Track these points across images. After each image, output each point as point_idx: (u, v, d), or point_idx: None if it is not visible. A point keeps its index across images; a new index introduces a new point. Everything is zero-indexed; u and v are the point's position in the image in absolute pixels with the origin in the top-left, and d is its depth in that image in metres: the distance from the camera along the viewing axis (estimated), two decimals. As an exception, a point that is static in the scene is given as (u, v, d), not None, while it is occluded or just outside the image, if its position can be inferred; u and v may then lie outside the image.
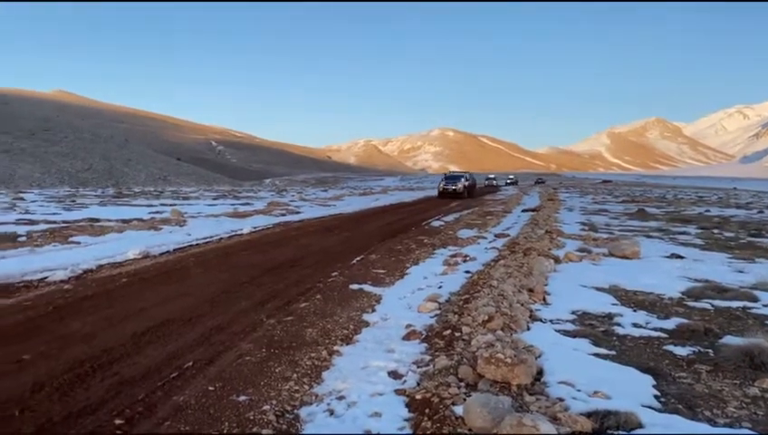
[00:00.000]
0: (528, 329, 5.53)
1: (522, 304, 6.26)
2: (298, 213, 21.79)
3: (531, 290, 7.11)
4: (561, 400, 3.66)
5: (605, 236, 14.16)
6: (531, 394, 3.78)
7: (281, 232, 15.29)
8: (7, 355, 4.83)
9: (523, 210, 24.35)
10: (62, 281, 7.89)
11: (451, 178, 40.11)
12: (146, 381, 4.27)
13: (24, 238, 11.69)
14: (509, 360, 3.97)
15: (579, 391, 3.85)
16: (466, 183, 38.16)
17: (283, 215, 20.64)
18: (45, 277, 8.00)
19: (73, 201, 28.09)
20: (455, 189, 37.35)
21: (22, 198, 30.10)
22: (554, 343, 5.01)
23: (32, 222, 15.26)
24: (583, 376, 4.09)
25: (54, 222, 15.28)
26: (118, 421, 3.59)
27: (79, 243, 11.52)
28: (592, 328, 5.70)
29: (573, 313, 6.31)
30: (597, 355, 4.77)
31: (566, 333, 5.50)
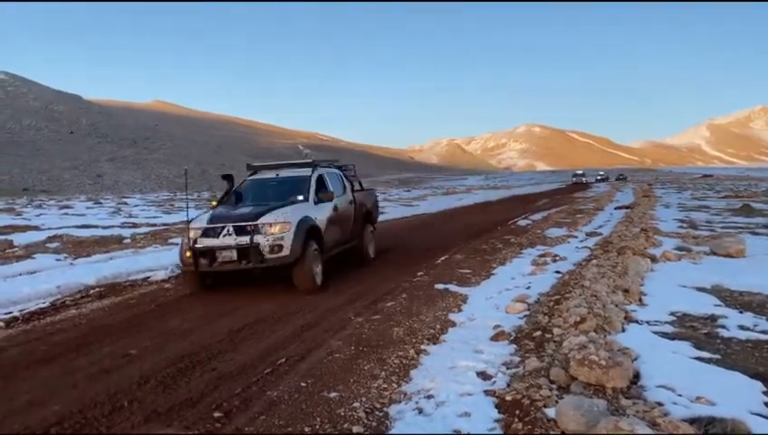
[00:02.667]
0: (623, 331, 5.30)
1: (616, 305, 6.02)
2: (382, 213, 21.99)
3: (626, 290, 6.81)
4: (661, 404, 3.49)
5: (706, 233, 13.33)
6: (627, 398, 3.63)
7: (366, 232, 15.48)
8: (117, 350, 5.20)
9: (616, 208, 23.37)
10: (162, 280, 8.39)
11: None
12: (242, 377, 4.46)
13: (128, 240, 12.52)
14: (603, 362, 3.82)
15: (680, 395, 3.65)
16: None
17: (369, 215, 20.90)
18: (148, 277, 8.53)
19: (172, 205, 29.75)
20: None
21: (126, 203, 32.23)
22: (652, 346, 4.78)
23: (135, 225, 16.34)
24: (684, 380, 3.88)
25: (155, 225, 16.27)
26: (217, 414, 3.76)
27: (178, 244, 12.17)
28: (693, 330, 5.39)
29: (672, 314, 5.98)
30: (699, 359, 4.50)
31: (664, 335, 5.23)
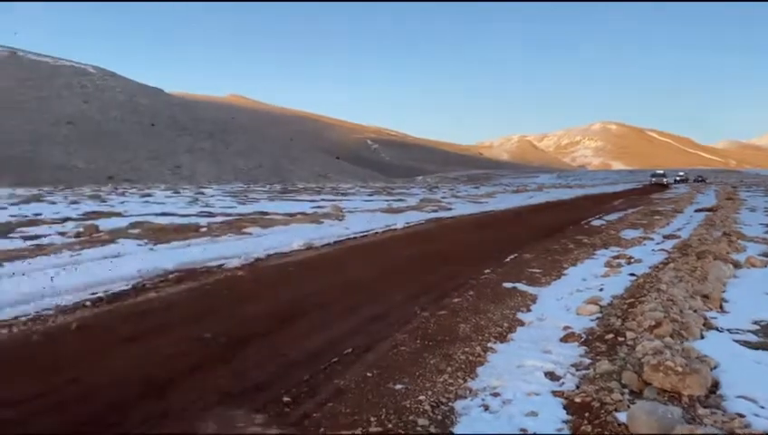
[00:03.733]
0: (702, 338, 5.08)
1: (694, 311, 5.76)
2: (450, 210, 21.90)
3: (705, 296, 6.51)
4: (741, 416, 3.32)
5: (796, 239, 12.53)
6: (704, 407, 3.48)
7: (433, 228, 15.49)
8: (193, 331, 5.43)
9: (697, 210, 22.31)
10: (236, 268, 8.66)
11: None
12: (309, 365, 4.55)
13: (204, 229, 13.02)
14: (680, 368, 3.68)
15: (762, 408, 3.47)
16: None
17: (435, 211, 20.86)
18: (222, 264, 8.84)
19: (246, 196, 30.69)
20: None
21: (203, 193, 33.47)
22: (733, 355, 4.56)
23: (211, 214, 16.96)
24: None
25: (230, 214, 16.84)
26: (286, 399, 3.87)
27: (251, 233, 12.58)
28: (780, 341, 5.09)
29: (756, 323, 5.68)
30: (786, 371, 4.26)
31: (747, 344, 4.97)
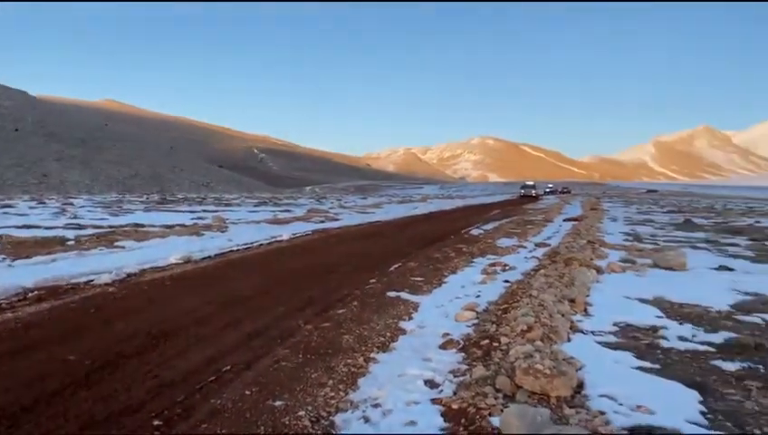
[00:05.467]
0: (569, 340, 5.40)
1: (562, 315, 6.13)
2: (337, 220, 21.93)
3: (572, 301, 6.95)
4: (603, 413, 3.55)
5: (650, 246, 13.77)
6: (570, 407, 3.68)
7: (320, 239, 15.41)
8: (55, 354, 4.97)
9: (565, 219, 23.92)
10: (106, 284, 8.10)
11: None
12: (184, 385, 4.32)
13: (72, 242, 12.08)
14: (548, 371, 3.88)
15: (621, 405, 3.73)
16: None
17: (323, 222, 20.81)
18: (91, 280, 8.22)
19: (120, 207, 28.92)
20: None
21: (71, 204, 31.14)
22: (596, 355, 4.89)
23: (80, 226, 15.78)
24: (626, 390, 3.97)
25: (101, 227, 15.76)
26: (156, 422, 3.64)
27: (124, 247, 11.83)
28: (636, 340, 5.53)
29: (616, 324, 6.14)
30: (640, 369, 4.62)
31: (608, 345, 5.35)
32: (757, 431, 3.42)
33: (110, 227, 15.86)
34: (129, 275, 8.71)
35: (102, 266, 9.15)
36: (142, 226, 16.22)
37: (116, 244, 12.17)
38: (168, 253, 10.60)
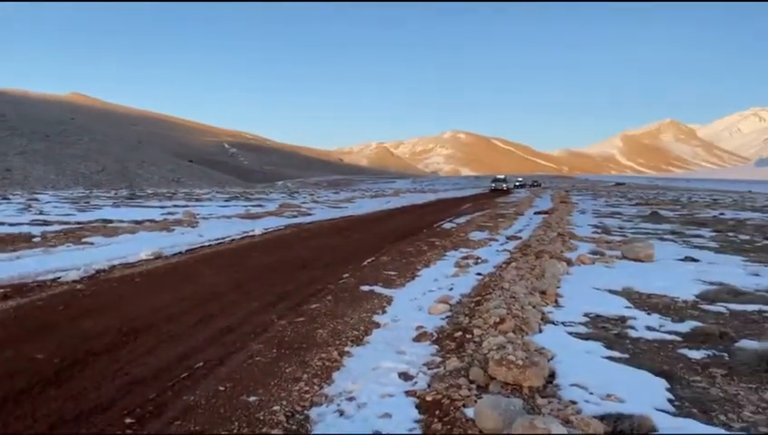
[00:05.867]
0: (540, 331, 5.48)
1: (533, 307, 6.21)
2: (309, 215, 21.83)
3: (543, 292, 7.06)
4: (574, 402, 3.62)
5: (618, 238, 14.04)
6: (543, 397, 3.74)
7: (292, 233, 15.32)
8: (22, 352, 4.86)
9: (536, 212, 24.22)
10: (74, 281, 7.94)
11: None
12: (156, 382, 4.27)
13: (38, 239, 11.80)
14: (520, 362, 3.93)
15: (591, 393, 3.81)
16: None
17: (295, 217, 20.69)
18: (58, 277, 8.05)
19: (87, 202, 28.34)
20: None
21: (36, 199, 30.42)
22: (566, 346, 4.97)
23: (46, 223, 15.41)
24: (596, 379, 4.05)
25: (68, 223, 15.42)
26: (128, 420, 3.59)
27: (92, 243, 11.60)
28: (605, 331, 5.64)
29: (586, 315, 6.25)
30: (610, 358, 4.72)
31: (578, 335, 5.45)
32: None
33: (78, 223, 15.52)
34: (98, 272, 8.54)
35: (70, 263, 8.96)
36: (111, 221, 15.92)
37: (84, 240, 11.93)
38: (138, 249, 10.43)
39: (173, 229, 14.53)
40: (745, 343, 4.97)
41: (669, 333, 5.56)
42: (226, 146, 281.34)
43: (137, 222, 15.87)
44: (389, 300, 7.22)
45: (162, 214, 19.71)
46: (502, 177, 69.69)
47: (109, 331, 5.59)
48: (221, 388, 4.17)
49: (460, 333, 5.34)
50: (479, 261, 10.20)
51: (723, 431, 3.31)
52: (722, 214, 25.76)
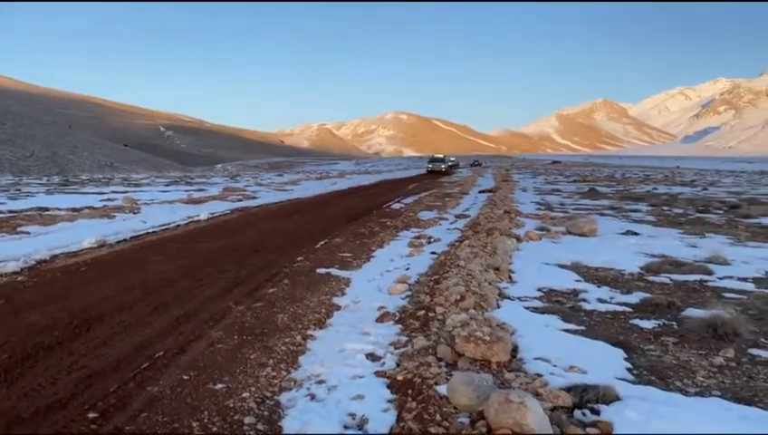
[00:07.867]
0: (498, 307, 5.61)
1: (489, 283, 6.34)
2: (255, 198, 21.45)
3: (497, 269, 7.21)
4: (540, 375, 3.73)
5: (561, 214, 14.47)
6: (510, 371, 3.84)
7: (240, 218, 15.04)
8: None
9: (480, 191, 24.65)
10: (14, 273, 7.56)
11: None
12: (116, 374, 4.13)
13: (-32, 230, 11.14)
14: (487, 338, 4.01)
15: (555, 366, 3.93)
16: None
17: (240, 200, 20.29)
18: (-5, 269, 7.64)
19: (18, 190, 26.94)
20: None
21: (-40, 188, 28.67)
22: (525, 320, 5.10)
23: (-26, 213, 14.56)
24: (557, 352, 4.18)
25: (0, 211, 14.63)
26: (92, 415, 3.47)
27: (29, 233, 11.05)
28: (560, 304, 5.82)
29: (540, 290, 6.43)
30: (567, 331, 4.88)
31: (535, 309, 5.60)
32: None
33: (11, 211, 14.72)
34: (39, 263, 8.16)
35: (7, 254, 8.50)
36: (47, 209, 15.16)
37: (19, 229, 11.33)
38: (80, 237, 9.99)
39: (114, 216, 14.00)
40: (692, 312, 5.24)
41: (620, 304, 5.79)
42: (162, 129, 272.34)
43: (75, 209, 15.19)
44: (347, 282, 7.21)
45: (101, 200, 18.95)
46: (440, 156, 62.20)
47: (58, 323, 5.36)
48: (185, 377, 4.08)
49: (423, 312, 5.40)
50: (432, 240, 10.31)
51: (681, 397, 3.48)
52: (655, 189, 26.91)
